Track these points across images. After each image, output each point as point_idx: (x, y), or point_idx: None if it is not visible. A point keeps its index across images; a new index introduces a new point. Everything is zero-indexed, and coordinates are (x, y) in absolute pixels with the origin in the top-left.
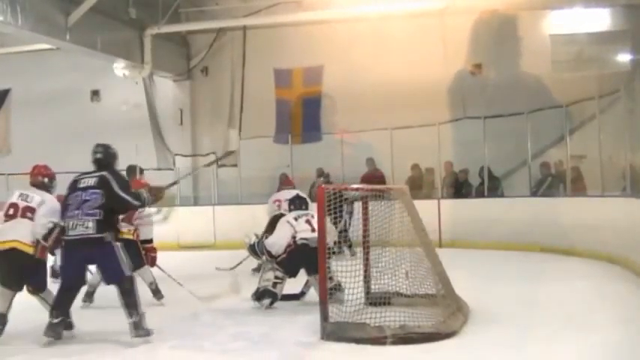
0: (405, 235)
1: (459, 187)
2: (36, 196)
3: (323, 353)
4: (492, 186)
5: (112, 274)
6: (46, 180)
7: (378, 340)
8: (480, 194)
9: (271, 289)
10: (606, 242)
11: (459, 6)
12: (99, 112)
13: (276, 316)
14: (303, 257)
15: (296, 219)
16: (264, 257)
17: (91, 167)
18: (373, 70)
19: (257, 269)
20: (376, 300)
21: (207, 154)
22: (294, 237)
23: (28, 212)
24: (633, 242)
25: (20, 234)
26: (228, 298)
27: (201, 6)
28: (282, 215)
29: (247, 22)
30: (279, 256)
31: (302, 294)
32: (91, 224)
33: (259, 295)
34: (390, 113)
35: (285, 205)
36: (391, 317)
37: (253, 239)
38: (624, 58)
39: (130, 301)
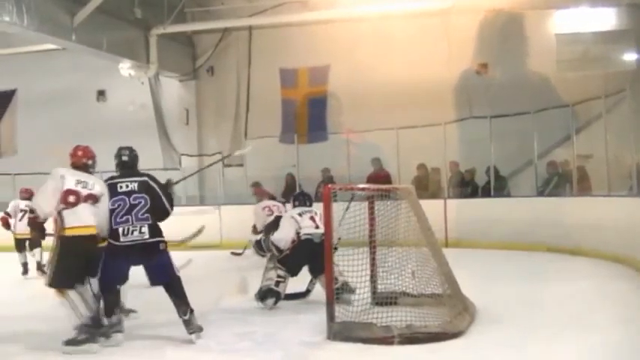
0: (411, 235)
1: (465, 187)
2: (96, 185)
3: (329, 353)
4: (498, 185)
5: (163, 275)
6: (90, 162)
7: (385, 340)
8: (486, 194)
9: (274, 287)
10: (612, 242)
11: (464, 5)
12: (105, 112)
13: (282, 315)
14: (306, 253)
15: (300, 215)
16: (269, 254)
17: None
18: (379, 70)
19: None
20: (383, 300)
21: (214, 154)
22: (298, 232)
23: (91, 200)
24: (639, 242)
25: (93, 221)
26: (234, 298)
27: (207, 6)
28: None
29: (253, 22)
30: (283, 251)
31: (307, 292)
32: (145, 229)
33: (262, 295)
34: (396, 113)
35: (281, 209)
36: (398, 317)
37: (259, 237)
38: (630, 57)
39: (182, 299)
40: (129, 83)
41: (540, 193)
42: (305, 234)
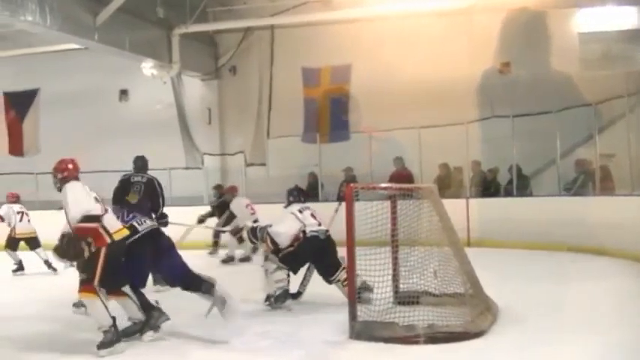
0: (433, 234)
1: (488, 186)
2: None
3: (351, 352)
4: (521, 185)
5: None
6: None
7: (407, 340)
8: (508, 193)
9: (288, 287)
10: (635, 241)
11: (486, 4)
12: (127, 111)
13: (304, 315)
14: (313, 250)
15: (300, 211)
16: (259, 244)
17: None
18: (401, 69)
19: (228, 260)
20: (404, 299)
21: (236, 153)
22: (303, 230)
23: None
24: None
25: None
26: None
27: (229, 5)
28: None
29: (275, 21)
30: (281, 249)
31: (299, 294)
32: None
33: (277, 298)
34: (418, 112)
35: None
36: (419, 316)
37: (256, 224)
38: None
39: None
40: (151, 83)
41: (567, 191)
42: (311, 231)
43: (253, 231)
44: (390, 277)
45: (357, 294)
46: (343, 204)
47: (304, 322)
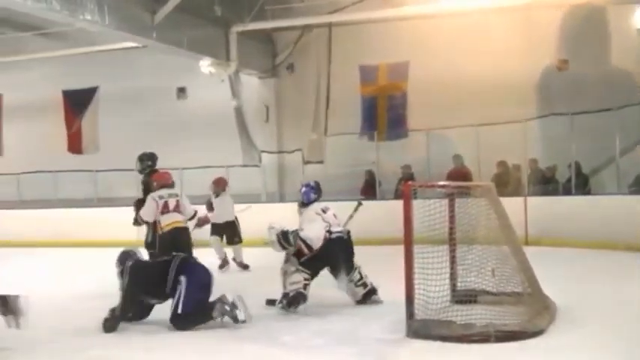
0: (491, 233)
1: (546, 184)
2: None
3: (408, 351)
4: (580, 183)
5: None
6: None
7: (464, 338)
8: (567, 191)
9: (303, 291)
10: None
11: (544, 0)
12: (185, 109)
13: (359, 313)
14: (339, 251)
15: (324, 211)
16: (290, 249)
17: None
18: (458, 66)
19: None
20: (462, 298)
21: (293, 151)
22: (329, 230)
23: None
24: None
25: None
26: None
27: (287, 3)
28: None
29: (333, 18)
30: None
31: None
32: None
33: (291, 301)
34: (476, 109)
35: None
36: (477, 315)
37: (285, 228)
38: None
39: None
40: (209, 81)
41: (634, 191)
42: (335, 232)
43: (285, 235)
44: (447, 276)
45: (363, 298)
46: (360, 207)
47: (360, 321)
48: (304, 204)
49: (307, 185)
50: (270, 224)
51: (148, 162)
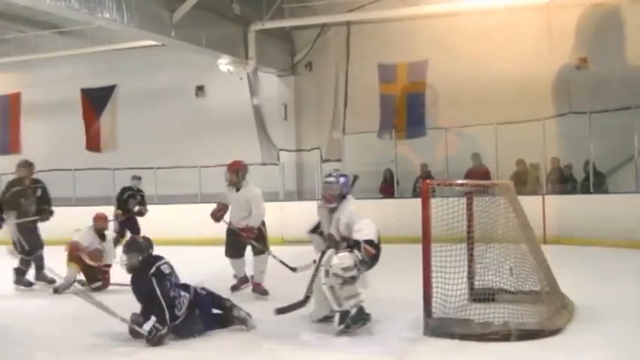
0: (509, 232)
1: (564, 183)
2: None
3: (427, 349)
4: (597, 182)
5: None
6: None
7: (483, 337)
8: (585, 190)
9: (363, 305)
10: None
11: None
12: (203, 107)
13: (378, 311)
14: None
15: None
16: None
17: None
18: (478, 65)
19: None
20: (480, 296)
21: (312, 150)
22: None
23: None
24: None
25: None
26: None
27: (305, 2)
28: None
29: (351, 17)
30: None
31: (307, 298)
32: None
33: (356, 319)
34: (495, 108)
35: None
36: (495, 314)
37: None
38: None
39: None
40: (228, 79)
41: None
42: None
43: (362, 262)
44: (465, 274)
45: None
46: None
47: (378, 319)
48: (343, 196)
49: (345, 175)
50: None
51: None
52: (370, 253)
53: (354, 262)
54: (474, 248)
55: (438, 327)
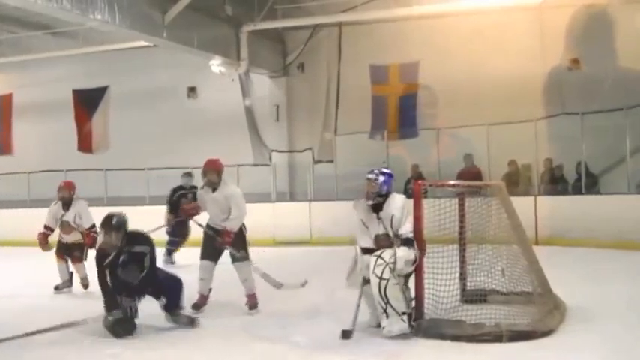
0: (501, 232)
1: (555, 184)
2: None
3: (418, 349)
4: (589, 183)
5: None
6: None
7: (474, 338)
8: (577, 191)
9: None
10: None
11: (555, 0)
12: (195, 108)
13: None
14: None
15: None
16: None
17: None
18: (470, 66)
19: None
20: (472, 297)
21: (304, 150)
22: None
23: None
24: None
25: None
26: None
27: (297, 3)
28: None
29: (343, 18)
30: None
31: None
32: None
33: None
34: (487, 109)
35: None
36: (487, 314)
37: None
38: None
39: None
40: (219, 80)
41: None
42: None
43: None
44: (457, 275)
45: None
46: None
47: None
48: (381, 195)
49: (388, 174)
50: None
51: None
52: (424, 250)
53: (414, 256)
54: (466, 249)
55: (429, 328)
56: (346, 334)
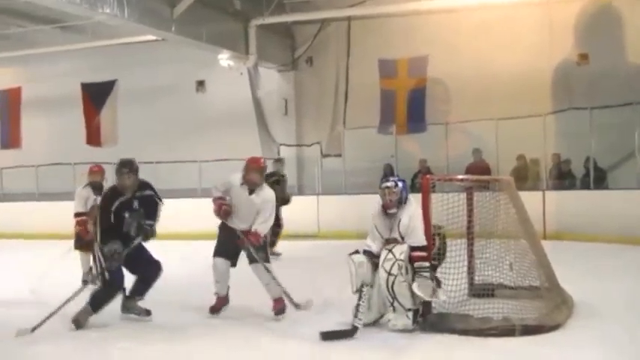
0: (509, 227)
1: (563, 178)
2: None
3: (426, 344)
4: (598, 178)
5: None
6: None
7: (482, 332)
8: (585, 186)
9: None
10: None
11: None
12: (204, 103)
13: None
14: None
15: None
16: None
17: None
18: (478, 60)
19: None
20: (479, 292)
21: (312, 144)
22: None
23: None
24: None
25: None
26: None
27: None
28: None
29: (352, 12)
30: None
31: (355, 329)
32: None
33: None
34: (495, 103)
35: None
36: (494, 309)
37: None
38: None
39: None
40: (228, 74)
41: None
42: None
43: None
44: (465, 270)
45: None
46: None
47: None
48: (402, 201)
49: (403, 180)
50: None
51: None
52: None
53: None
54: (474, 243)
55: (437, 322)
56: (327, 336)
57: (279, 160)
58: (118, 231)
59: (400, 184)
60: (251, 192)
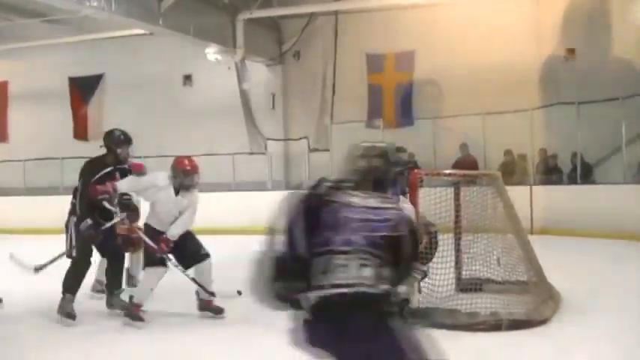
0: (497, 222)
1: (549, 173)
2: None
3: None
4: (585, 173)
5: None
6: None
7: (470, 327)
8: (572, 181)
9: None
10: None
11: None
12: (191, 96)
13: None
14: None
15: None
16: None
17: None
18: (466, 55)
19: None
20: (467, 286)
21: (300, 139)
22: None
23: None
24: None
25: None
26: None
27: None
28: None
29: (339, 6)
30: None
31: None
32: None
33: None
34: (483, 98)
35: None
36: (482, 304)
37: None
38: None
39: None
40: (215, 68)
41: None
42: None
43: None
44: (452, 264)
45: None
46: None
47: None
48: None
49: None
50: None
51: None
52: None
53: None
54: (462, 238)
55: (424, 317)
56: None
57: (400, 149)
58: (97, 205)
59: None
60: (177, 193)
